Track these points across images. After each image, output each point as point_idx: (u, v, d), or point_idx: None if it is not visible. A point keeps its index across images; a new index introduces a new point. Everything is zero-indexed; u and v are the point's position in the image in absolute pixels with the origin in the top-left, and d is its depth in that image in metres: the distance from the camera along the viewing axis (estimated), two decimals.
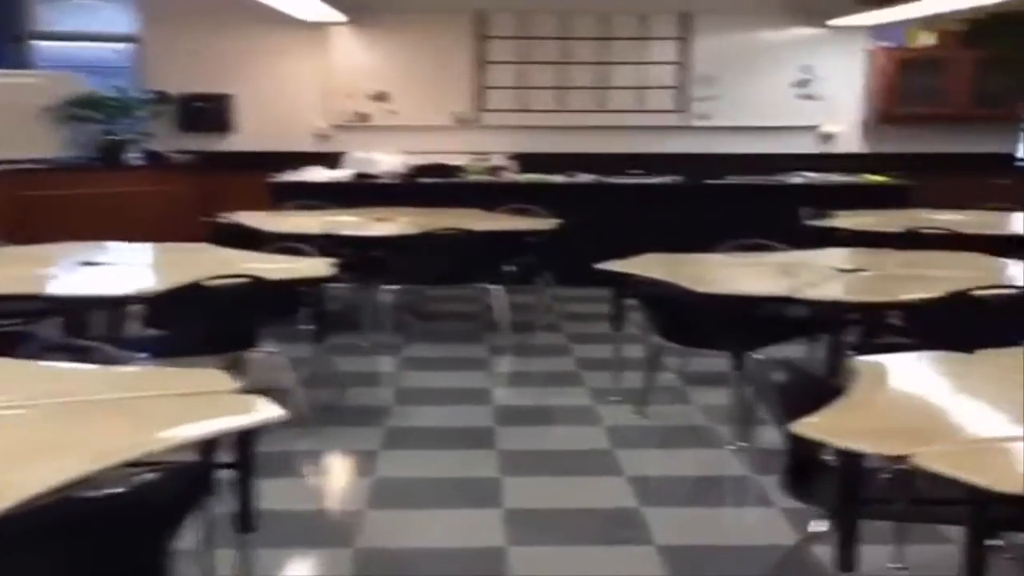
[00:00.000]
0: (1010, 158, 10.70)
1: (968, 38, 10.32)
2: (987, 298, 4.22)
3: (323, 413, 5.39)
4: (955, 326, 4.21)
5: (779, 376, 2.97)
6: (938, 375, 3.05)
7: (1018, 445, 2.39)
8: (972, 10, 9.47)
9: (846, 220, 6.96)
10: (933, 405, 2.75)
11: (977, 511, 2.29)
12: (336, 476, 4.80)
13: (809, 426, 2.50)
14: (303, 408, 5.15)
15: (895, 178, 9.21)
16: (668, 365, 5.96)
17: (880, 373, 2.97)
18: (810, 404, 2.65)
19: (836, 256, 5.50)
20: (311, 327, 5.41)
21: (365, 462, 4.81)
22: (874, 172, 9.47)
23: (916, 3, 8.16)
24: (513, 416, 5.49)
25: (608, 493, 4.41)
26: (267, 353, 5.01)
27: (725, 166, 9.42)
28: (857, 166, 9.77)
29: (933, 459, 2.25)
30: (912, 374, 3.03)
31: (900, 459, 2.29)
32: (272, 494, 4.34)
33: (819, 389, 2.88)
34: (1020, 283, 4.55)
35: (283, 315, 5.18)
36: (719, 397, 5.46)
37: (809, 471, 2.85)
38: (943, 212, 7.21)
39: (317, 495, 4.53)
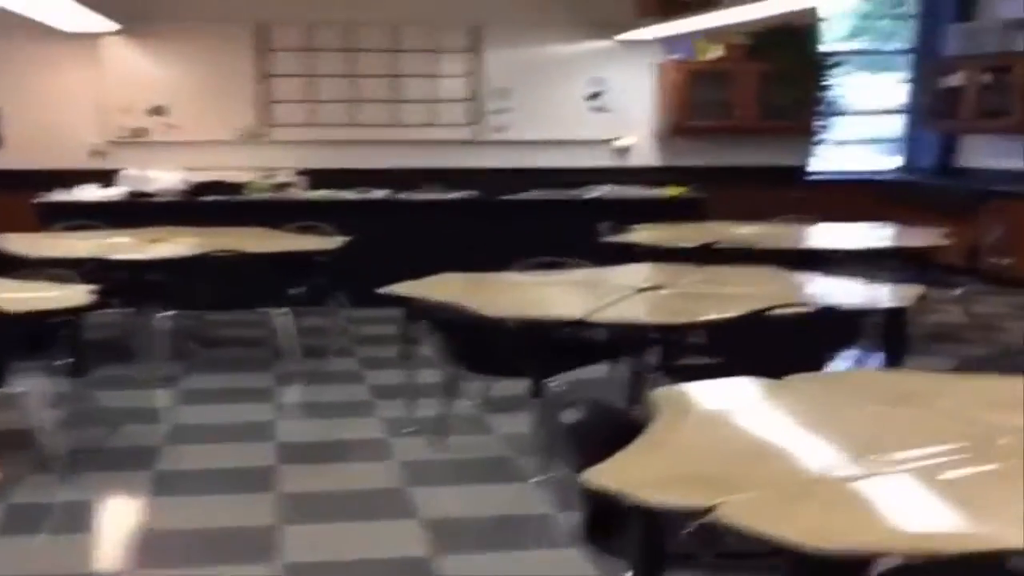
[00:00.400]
0: (801, 170, 10.85)
1: (753, 52, 10.43)
2: (788, 317, 4.07)
3: (84, 457, 4.86)
4: (756, 345, 4.05)
5: (572, 412, 2.69)
6: (746, 406, 2.82)
7: (834, 486, 2.16)
8: (755, 24, 9.57)
9: (644, 234, 6.83)
10: (741, 443, 2.51)
11: (792, 567, 2.05)
12: (95, 531, 4.29)
13: (602, 475, 2.22)
14: (59, 452, 4.63)
15: (691, 191, 9.17)
16: (467, 391, 5.67)
17: (683, 405, 2.73)
18: (606, 444, 2.38)
19: (635, 273, 5.30)
20: (68, 361, 4.90)
21: (129, 513, 4.33)
22: (670, 185, 9.41)
23: (698, 16, 8.13)
24: (298, 453, 5.09)
25: (398, 539, 4.05)
26: (16, 392, 4.49)
27: (522, 181, 9.22)
28: (653, 179, 9.71)
29: (741, 510, 2.00)
30: (718, 404, 2.80)
31: (705, 511, 2.02)
32: (20, 556, 3.84)
33: (616, 426, 2.61)
34: (818, 300, 4.43)
35: (33, 349, 4.66)
36: (522, 425, 5.19)
37: (609, 519, 2.57)
38: (739, 225, 7.16)
39: (72, 555, 4.02)
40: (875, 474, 2.22)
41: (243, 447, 5.17)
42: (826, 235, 7.20)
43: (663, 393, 2.82)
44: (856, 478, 2.21)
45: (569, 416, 2.63)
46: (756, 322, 4.02)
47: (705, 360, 4.47)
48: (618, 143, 10.27)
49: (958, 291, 7.05)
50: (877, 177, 11.25)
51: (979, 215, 9.55)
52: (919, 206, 10.24)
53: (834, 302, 4.29)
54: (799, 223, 7.58)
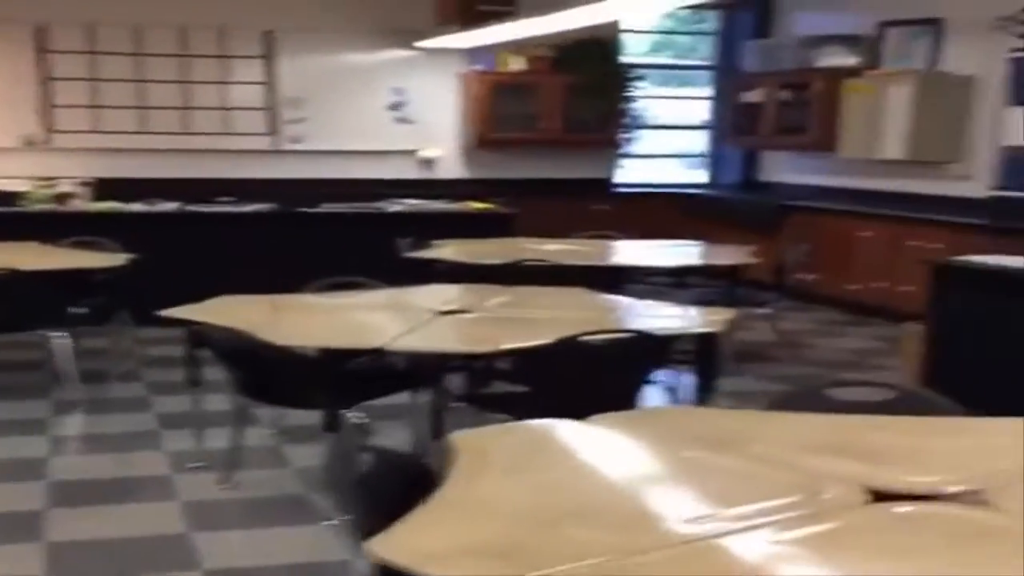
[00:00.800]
0: (607, 183, 10.81)
1: (557, 64, 10.36)
2: (598, 343, 3.87)
3: None
4: (566, 373, 3.85)
5: (361, 461, 2.41)
6: (552, 453, 2.58)
7: (651, 560, 1.93)
8: (559, 36, 9.48)
9: (448, 251, 6.59)
10: (546, 501, 2.25)
11: None
12: None
13: (388, 544, 1.94)
14: None
15: (497, 205, 8.97)
16: (260, 418, 5.30)
17: (482, 453, 2.47)
18: (396, 501, 2.10)
19: (437, 295, 5.04)
20: None
21: None
22: (476, 199, 9.20)
23: (497, 26, 7.95)
24: (71, 494, 4.62)
25: None
26: None
27: (321, 193, 8.84)
28: (460, 192, 9.49)
29: None
30: (520, 452, 2.55)
31: None
32: None
33: (408, 478, 2.35)
34: (629, 324, 4.25)
35: None
36: (320, 457, 4.84)
37: None
38: (547, 241, 6.99)
39: None
40: (698, 539, 2.01)
41: (8, 488, 4.68)
42: (635, 251, 7.10)
43: (461, 438, 2.55)
44: (678, 543, 1.99)
45: (357, 465, 2.35)
46: (565, 350, 3.81)
47: (512, 389, 4.25)
48: (422, 154, 10.02)
49: (766, 309, 7.04)
50: (683, 191, 11.32)
51: (783, 230, 9.68)
52: (725, 220, 10.33)
53: (645, 327, 4.12)
54: (608, 238, 7.47)
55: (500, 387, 4.49)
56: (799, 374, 6.88)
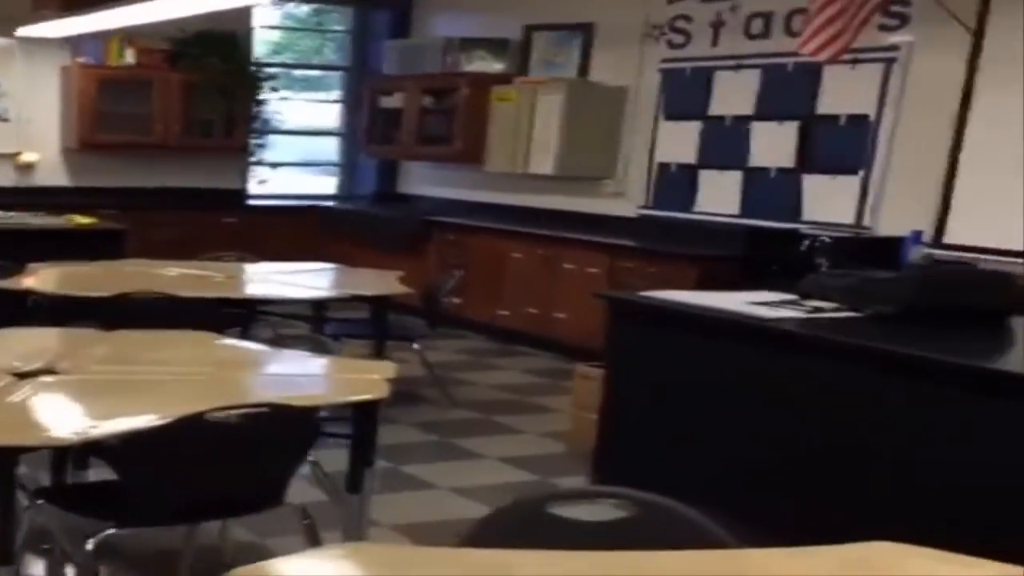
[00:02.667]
0: (238, 195, 9.76)
1: (176, 59, 9.23)
2: (228, 421, 2.94)
3: None
4: (189, 463, 2.91)
5: None
6: None
7: None
8: (177, 26, 8.40)
9: (41, 279, 5.41)
10: None
11: None
12: None
13: None
14: None
15: (105, 220, 7.73)
16: None
17: None
18: None
19: (19, 344, 3.91)
20: None
21: None
22: (81, 211, 7.89)
23: (104, 12, 6.77)
24: None
25: None
26: None
27: None
28: (61, 203, 8.16)
29: None
30: None
31: None
32: None
33: None
34: (268, 391, 3.32)
35: None
36: None
37: None
38: (164, 264, 5.94)
39: None
40: None
41: None
42: (270, 277, 6.14)
43: None
44: None
45: None
46: (189, 432, 2.86)
47: (104, 480, 3.23)
48: (21, 158, 8.63)
49: (415, 345, 6.27)
50: (320, 203, 10.44)
51: (429, 249, 9.02)
52: (366, 236, 9.56)
53: (288, 392, 3.23)
54: (239, 259, 6.49)
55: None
56: (459, 420, 6.16)
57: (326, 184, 11.08)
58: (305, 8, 10.76)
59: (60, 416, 3.07)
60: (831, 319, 4.25)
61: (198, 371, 3.57)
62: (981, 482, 3.42)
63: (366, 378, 3.55)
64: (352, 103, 10.84)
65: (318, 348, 4.01)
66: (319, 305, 6.19)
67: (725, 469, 4.24)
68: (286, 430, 3.11)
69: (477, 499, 4.78)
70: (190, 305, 4.98)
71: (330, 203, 10.60)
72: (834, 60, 6.03)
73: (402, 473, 5.07)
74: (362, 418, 3.46)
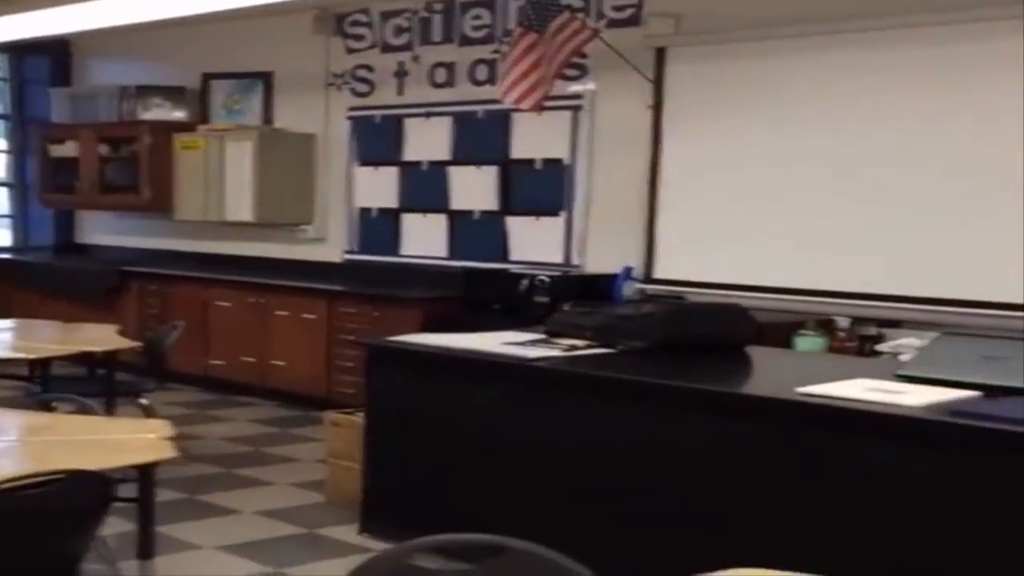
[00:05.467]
0: None
1: None
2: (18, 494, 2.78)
3: None
4: None
5: None
6: None
7: None
8: None
9: None
10: None
11: None
12: None
13: None
14: None
15: None
16: None
17: None
18: None
19: None
20: None
21: None
22: None
23: None
24: None
25: None
26: None
27: None
28: None
29: None
30: None
31: None
32: None
33: None
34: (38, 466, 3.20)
35: None
36: None
37: None
38: None
39: None
40: None
41: None
42: None
43: None
44: None
45: None
46: None
47: None
48: None
49: (143, 400, 6.06)
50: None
51: (127, 300, 8.76)
52: (52, 288, 9.14)
53: (69, 457, 3.11)
54: None
55: None
56: (199, 475, 6.01)
57: (9, 237, 10.47)
58: None
59: None
60: (590, 356, 4.59)
61: None
62: (738, 497, 3.82)
63: (144, 438, 3.52)
64: (18, 152, 10.32)
65: (83, 409, 3.91)
66: (38, 363, 5.89)
67: (499, 507, 4.43)
68: (82, 499, 2.83)
69: (249, 556, 4.76)
70: None
71: (6, 255, 10.05)
72: (536, 108, 6.42)
73: (161, 535, 4.94)
74: (145, 480, 3.35)
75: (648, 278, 6.67)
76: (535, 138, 7.36)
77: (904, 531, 3.46)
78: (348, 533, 5.02)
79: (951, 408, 3.53)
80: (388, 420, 4.97)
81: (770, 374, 4.67)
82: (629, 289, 6.58)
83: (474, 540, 2.28)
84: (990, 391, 3.71)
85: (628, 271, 6.66)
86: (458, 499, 4.65)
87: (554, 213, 7.26)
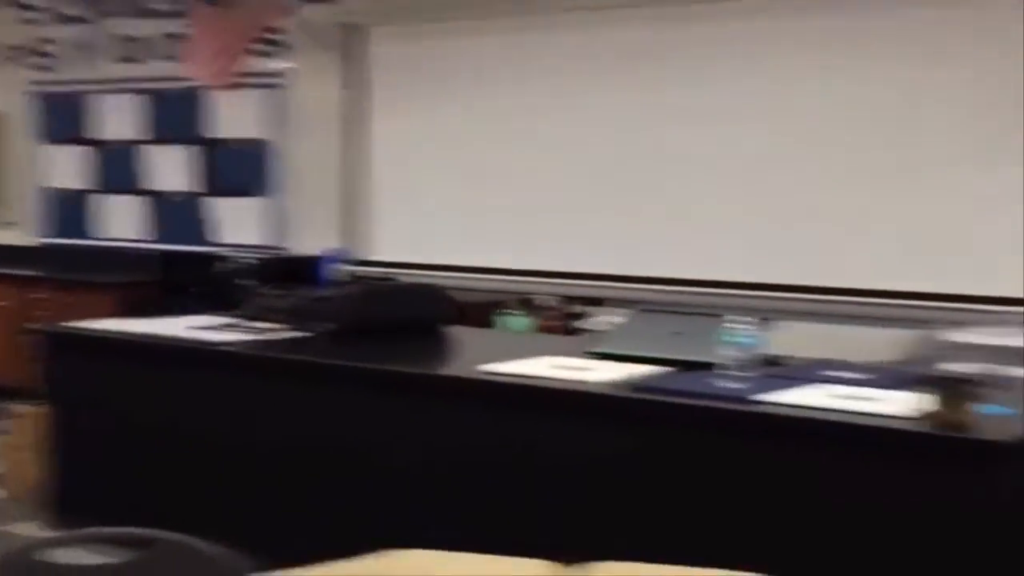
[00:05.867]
0: None
1: None
2: None
3: None
4: None
5: None
6: None
7: None
8: None
9: None
10: None
11: None
12: None
13: None
14: None
15: None
16: None
17: None
18: None
19: None
20: None
21: None
22: None
23: None
24: None
25: None
26: None
27: None
28: None
29: None
30: None
31: None
32: None
33: None
34: None
35: None
36: None
37: None
38: None
39: None
40: None
41: None
42: None
43: None
44: None
45: None
46: None
47: None
48: None
49: None
50: None
51: None
52: None
53: None
54: None
55: None
56: None
57: None
58: None
59: None
60: (280, 340, 4.46)
61: None
62: (424, 479, 3.76)
63: None
64: None
65: None
66: None
67: (186, 497, 4.27)
68: None
69: None
70: None
71: None
72: (226, 86, 6.19)
73: None
74: None
75: (362, 260, 6.58)
76: (234, 117, 7.13)
77: (591, 510, 3.41)
78: (33, 529, 4.72)
79: (634, 384, 3.55)
80: (71, 410, 4.68)
81: (461, 353, 4.66)
82: (338, 272, 6.46)
83: (120, 534, 2.16)
84: (678, 366, 3.74)
85: (337, 253, 6.56)
86: (146, 491, 4.44)
87: (259, 194, 7.07)
